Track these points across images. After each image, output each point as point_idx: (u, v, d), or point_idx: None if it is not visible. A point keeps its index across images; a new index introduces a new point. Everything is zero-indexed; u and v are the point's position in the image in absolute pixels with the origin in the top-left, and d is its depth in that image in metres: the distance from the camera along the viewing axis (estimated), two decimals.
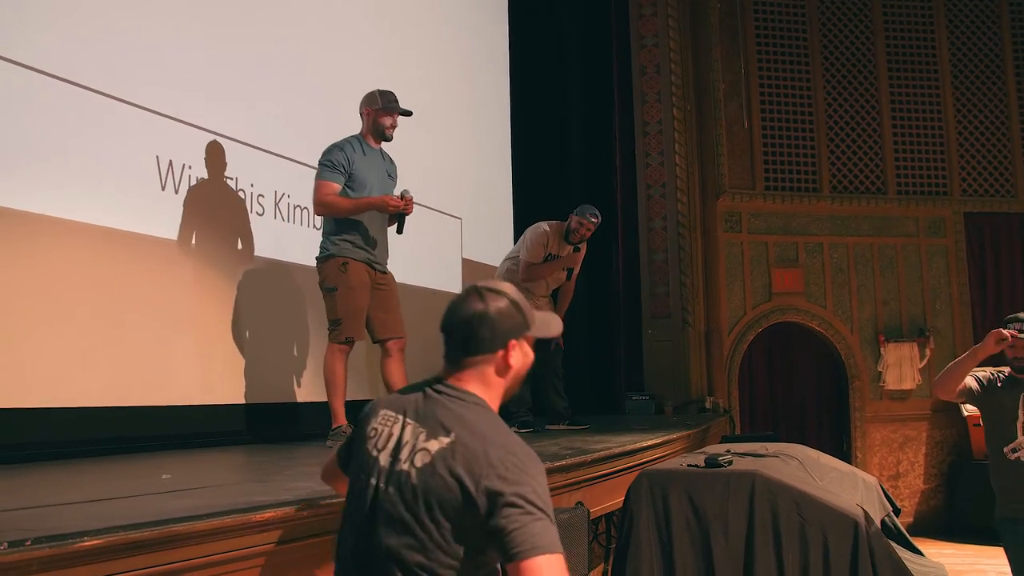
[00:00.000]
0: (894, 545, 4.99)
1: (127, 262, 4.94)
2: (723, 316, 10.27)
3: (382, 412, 2.09)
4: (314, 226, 6.11)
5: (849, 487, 5.58)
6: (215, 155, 5.56)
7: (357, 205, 4.85)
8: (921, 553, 5.70)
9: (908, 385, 10.52)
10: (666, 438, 5.81)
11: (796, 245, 10.70)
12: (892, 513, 6.10)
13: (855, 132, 11.02)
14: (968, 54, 11.35)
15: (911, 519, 10.17)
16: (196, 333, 5.38)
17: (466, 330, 2.05)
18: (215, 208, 5.60)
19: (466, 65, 8.87)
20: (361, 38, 7.17)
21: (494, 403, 2.08)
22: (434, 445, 1.93)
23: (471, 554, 1.90)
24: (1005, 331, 4.46)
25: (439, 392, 2.05)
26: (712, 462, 4.86)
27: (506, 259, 6.65)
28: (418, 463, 1.93)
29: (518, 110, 9.72)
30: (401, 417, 2.03)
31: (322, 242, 4.94)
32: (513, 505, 1.83)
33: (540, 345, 5.90)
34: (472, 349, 2.05)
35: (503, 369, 2.06)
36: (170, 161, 5.28)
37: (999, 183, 11.19)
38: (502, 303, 2.06)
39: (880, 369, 10.52)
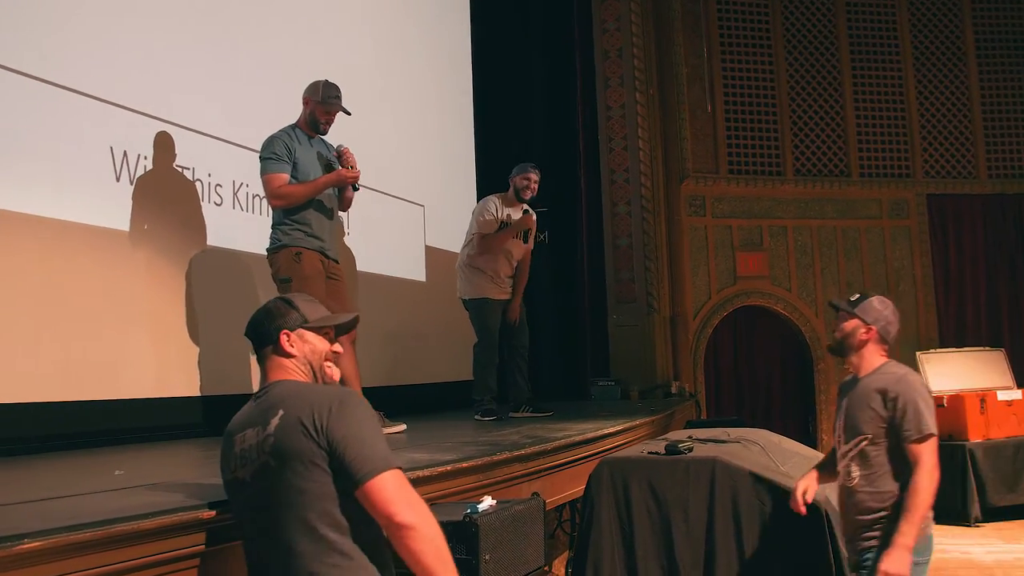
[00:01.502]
0: None
1: (80, 254, 4.84)
2: (688, 300, 10.28)
3: (228, 443, 2.30)
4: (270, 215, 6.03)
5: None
6: (164, 144, 5.46)
7: (315, 187, 4.77)
8: None
9: None
10: (628, 424, 5.78)
11: (760, 228, 10.72)
12: None
13: (818, 115, 11.06)
14: (930, 36, 11.41)
15: None
16: (150, 325, 5.29)
17: (251, 329, 2.45)
18: (168, 198, 5.49)
19: (428, 51, 8.79)
20: (321, 26, 7.08)
21: (301, 379, 2.39)
22: (273, 425, 2.17)
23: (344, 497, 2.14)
24: None
25: (258, 397, 2.34)
26: (673, 449, 4.84)
27: (464, 246, 6.54)
28: (267, 447, 2.16)
29: (481, 96, 9.66)
30: (241, 434, 2.26)
31: (272, 233, 4.83)
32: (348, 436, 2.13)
33: (504, 328, 5.76)
34: (256, 344, 2.43)
35: (285, 355, 2.39)
36: (124, 152, 5.18)
37: (961, 165, 11.26)
38: (272, 304, 2.47)
39: None
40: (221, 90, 5.97)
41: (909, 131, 11.21)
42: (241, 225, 6.01)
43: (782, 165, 10.87)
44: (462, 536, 2.72)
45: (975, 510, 9.33)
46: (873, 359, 3.58)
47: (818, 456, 6.34)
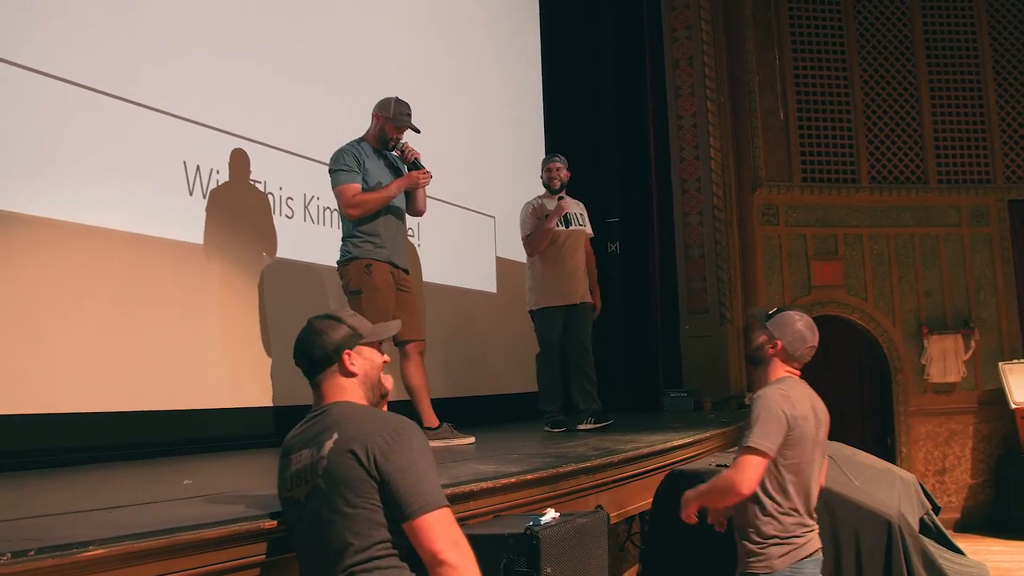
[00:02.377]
0: (931, 544, 4.90)
1: (153, 266, 4.95)
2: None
3: (285, 462, 2.34)
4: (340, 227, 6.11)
5: (886, 485, 5.49)
6: (238, 158, 5.58)
7: (388, 193, 4.86)
8: (961, 552, 5.59)
9: (953, 378, 10.35)
10: (698, 436, 5.73)
11: (835, 237, 10.57)
12: (931, 511, 6.00)
13: (893, 121, 10.87)
14: (1010, 39, 11.15)
15: (958, 515, 10.01)
16: (223, 336, 5.38)
17: (303, 356, 2.43)
18: (240, 211, 5.60)
19: (498, 61, 8.83)
20: (392, 40, 7.15)
21: (360, 400, 2.40)
22: (327, 448, 2.20)
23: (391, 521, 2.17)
24: None
25: (314, 416, 2.36)
26: None
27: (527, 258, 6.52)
28: (319, 470, 2.20)
29: (551, 106, 9.67)
30: (298, 454, 2.29)
31: (343, 246, 4.90)
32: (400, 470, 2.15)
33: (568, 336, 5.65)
34: (314, 369, 2.41)
35: (348, 375, 2.40)
36: (197, 166, 5.29)
37: None
38: (321, 324, 2.44)
39: (924, 362, 10.36)
40: (293, 105, 6.08)
41: (989, 135, 10.97)
42: (311, 237, 6.09)
43: (857, 172, 10.70)
44: (523, 549, 2.72)
45: None
46: (774, 373, 3.53)
47: (892, 469, 6.23)
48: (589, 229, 6.52)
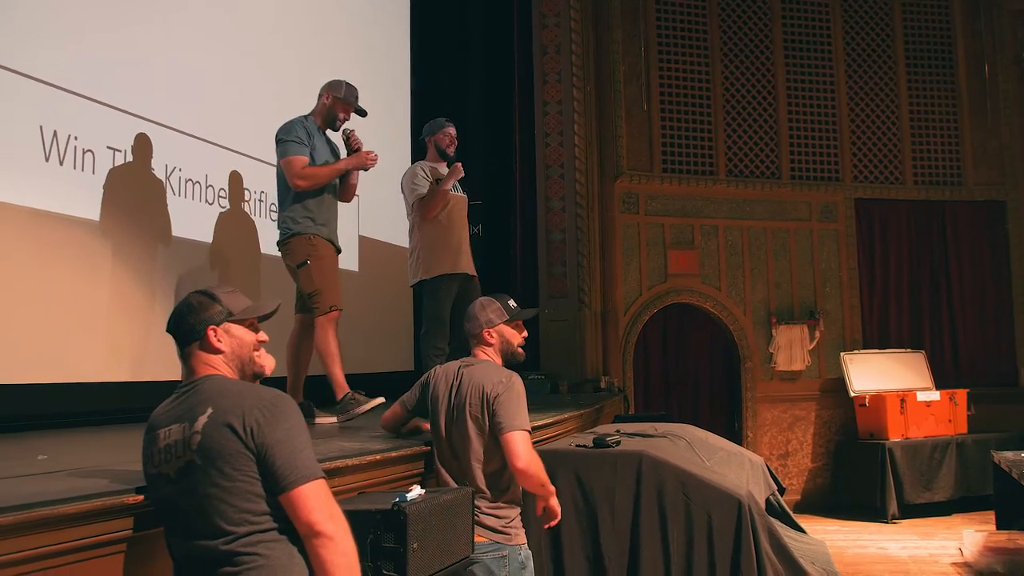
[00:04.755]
0: (776, 523, 5.11)
1: (6, 235, 4.77)
2: (619, 297, 10.35)
3: (151, 437, 2.31)
4: (217, 203, 6.01)
5: (736, 467, 5.71)
6: (138, 141, 5.50)
7: (336, 169, 4.97)
8: (803, 530, 5.86)
9: (798, 366, 10.75)
10: (557, 418, 5.82)
11: (692, 227, 10.82)
12: (777, 492, 6.26)
13: (752, 117, 11.19)
14: (862, 44, 11.61)
15: (799, 497, 10.42)
16: (80, 310, 5.23)
17: (174, 330, 2.42)
18: (124, 188, 5.50)
19: (366, 47, 8.76)
20: (264, 28, 7.03)
21: (229, 374, 2.40)
22: (200, 423, 2.19)
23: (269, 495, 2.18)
24: None
25: (183, 392, 2.34)
26: (600, 443, 4.91)
27: (410, 232, 5.83)
28: (193, 445, 2.18)
29: (420, 88, 9.64)
30: (166, 429, 2.26)
31: (282, 224, 4.94)
32: (277, 442, 2.17)
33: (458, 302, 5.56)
34: (183, 343, 2.40)
35: (214, 351, 2.39)
36: (55, 132, 5.11)
37: (888, 171, 11.48)
38: (194, 299, 2.43)
39: (771, 350, 10.73)
40: (157, 73, 5.91)
41: (839, 136, 11.41)
42: (193, 214, 5.98)
43: (715, 165, 10.98)
44: (390, 524, 2.75)
45: (892, 507, 9.57)
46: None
47: (742, 452, 6.47)
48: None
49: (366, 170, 5.24)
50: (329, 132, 5.25)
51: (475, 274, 5.89)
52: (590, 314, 9.91)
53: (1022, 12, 11.69)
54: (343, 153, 5.24)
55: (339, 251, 5.12)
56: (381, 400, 4.91)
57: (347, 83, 5.13)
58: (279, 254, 5.11)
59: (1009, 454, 7.51)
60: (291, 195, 4.90)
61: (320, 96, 5.15)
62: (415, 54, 9.67)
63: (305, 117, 5.06)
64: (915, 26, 11.76)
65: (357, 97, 5.16)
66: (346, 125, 5.15)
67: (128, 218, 5.56)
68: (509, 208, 10.30)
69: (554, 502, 3.67)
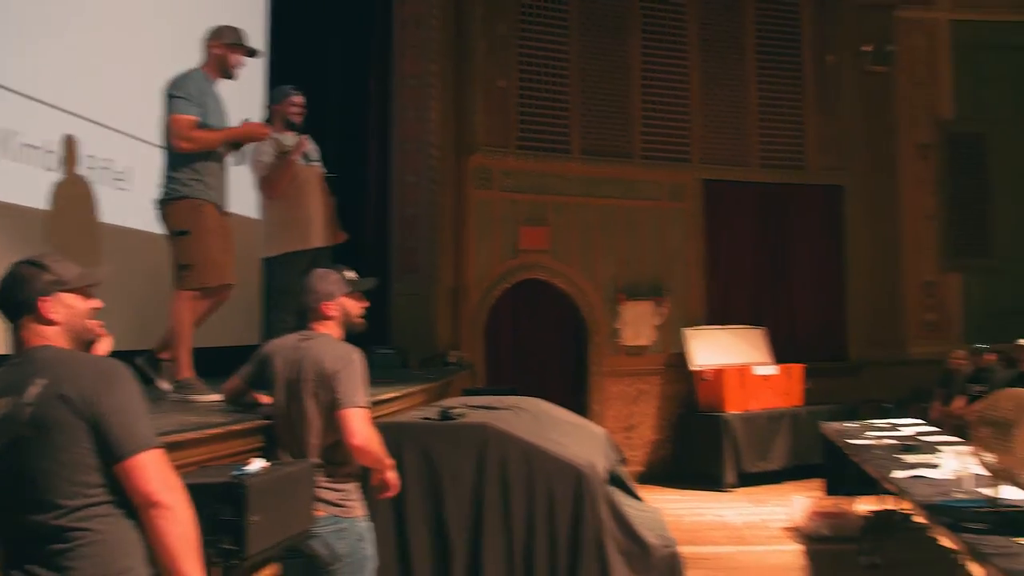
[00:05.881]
0: (617, 492, 5.29)
1: None
2: (471, 272, 10.44)
3: None
4: (57, 170, 5.79)
5: (578, 439, 5.85)
6: None
7: (226, 135, 4.66)
8: (639, 499, 6.07)
9: (644, 341, 11.07)
10: (404, 392, 5.88)
11: (545, 204, 10.97)
12: (618, 463, 6.46)
13: (607, 98, 11.39)
14: (715, 30, 11.94)
15: (642, 468, 10.73)
16: None
17: (2, 302, 2.32)
18: None
19: (216, 15, 8.51)
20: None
21: (63, 344, 2.32)
22: (31, 394, 2.12)
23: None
24: None
25: (13, 364, 2.26)
26: (445, 415, 4.99)
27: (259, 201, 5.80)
28: (24, 418, 2.11)
29: (276, 60, 9.45)
30: None
31: (167, 183, 4.59)
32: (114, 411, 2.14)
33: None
34: (13, 316, 2.31)
35: (47, 322, 2.30)
36: None
37: (736, 153, 11.87)
38: (21, 269, 2.32)
39: (618, 326, 11.00)
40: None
41: (690, 118, 11.71)
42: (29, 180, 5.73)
43: (569, 143, 11.15)
44: (229, 497, 2.75)
45: (729, 476, 9.98)
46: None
47: (586, 424, 6.64)
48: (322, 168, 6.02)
49: (255, 140, 4.98)
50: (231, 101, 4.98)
51: (336, 243, 5.82)
52: (442, 289, 9.95)
53: (864, 6, 12.23)
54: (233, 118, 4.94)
55: (227, 215, 4.81)
56: (219, 398, 4.60)
57: (229, 27, 4.82)
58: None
59: (835, 425, 7.95)
60: (180, 155, 4.57)
61: (208, 47, 4.80)
62: (272, 23, 9.46)
63: (199, 71, 4.73)
64: (766, 15, 12.17)
65: (245, 38, 4.87)
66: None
67: None
68: (363, 182, 10.22)
69: (389, 475, 3.68)
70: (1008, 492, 4.26)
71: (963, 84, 12.48)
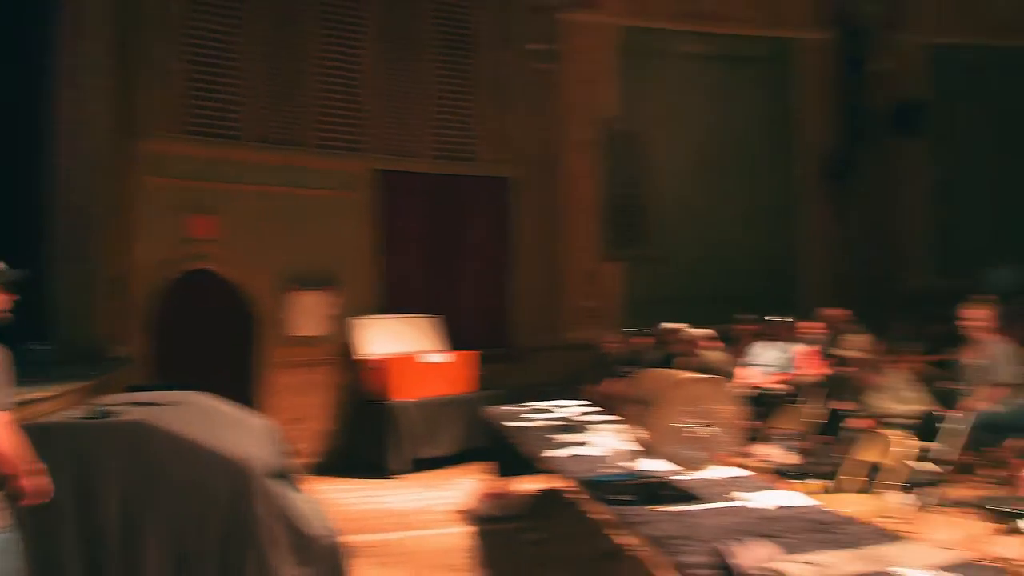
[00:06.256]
0: (278, 485, 5.34)
1: None
2: (137, 262, 10.06)
3: None
4: None
5: (242, 433, 5.85)
6: None
7: None
8: (299, 491, 6.14)
9: (315, 332, 11.10)
10: (59, 390, 5.65)
11: (216, 192, 10.72)
12: (284, 455, 6.50)
13: (281, 86, 11.31)
14: (394, 23, 12.11)
15: (315, 459, 10.71)
16: None
17: None
18: None
19: None
20: None
21: None
22: None
23: None
24: None
25: None
26: (102, 413, 4.86)
27: None
28: None
29: None
30: None
31: None
32: None
33: None
34: None
35: None
36: None
37: (409, 144, 12.12)
38: None
39: (289, 316, 10.96)
40: None
41: (363, 108, 11.82)
42: None
43: (242, 130, 10.98)
44: None
45: (398, 463, 10.21)
46: None
47: (252, 418, 6.61)
48: None
49: None
50: None
51: None
52: (104, 280, 9.50)
53: (534, 8, 12.81)
54: None
55: None
56: None
57: None
58: None
59: (496, 409, 8.35)
60: None
61: None
62: None
63: None
64: (441, 11, 12.51)
65: None
66: None
67: None
68: (20, 168, 9.54)
69: (27, 482, 3.54)
70: (649, 464, 4.73)
71: (627, 85, 13.30)
